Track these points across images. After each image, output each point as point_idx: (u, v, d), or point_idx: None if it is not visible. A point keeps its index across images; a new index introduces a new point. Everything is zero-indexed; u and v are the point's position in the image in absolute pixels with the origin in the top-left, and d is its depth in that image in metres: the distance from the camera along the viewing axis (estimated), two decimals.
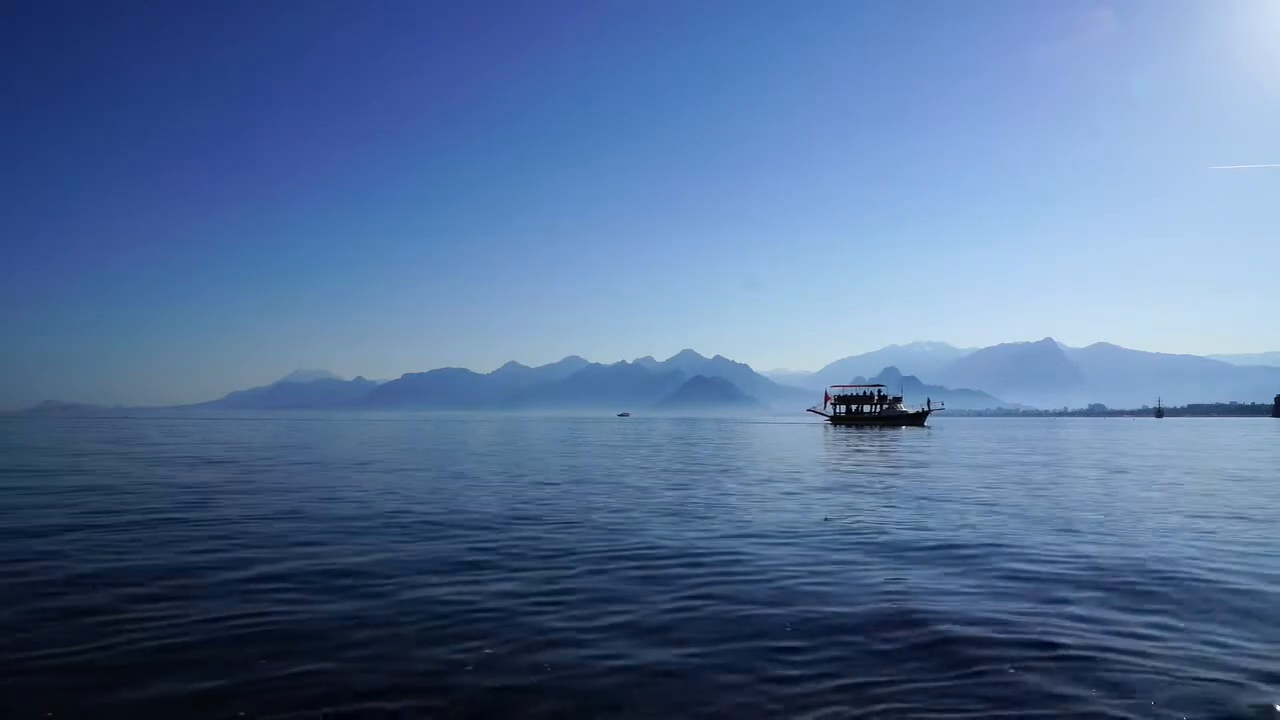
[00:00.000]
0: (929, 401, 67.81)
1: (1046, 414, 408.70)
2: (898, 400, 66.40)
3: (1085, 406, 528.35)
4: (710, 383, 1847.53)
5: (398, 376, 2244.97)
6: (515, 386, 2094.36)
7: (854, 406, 67.74)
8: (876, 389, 67.70)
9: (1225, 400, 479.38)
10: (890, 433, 44.27)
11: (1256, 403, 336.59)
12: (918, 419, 64.95)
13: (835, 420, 67.52)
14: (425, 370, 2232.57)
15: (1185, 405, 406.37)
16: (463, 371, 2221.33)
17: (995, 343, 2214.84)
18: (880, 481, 14.13)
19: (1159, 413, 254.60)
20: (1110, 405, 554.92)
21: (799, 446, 27.98)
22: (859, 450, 25.24)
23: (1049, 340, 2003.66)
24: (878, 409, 66.16)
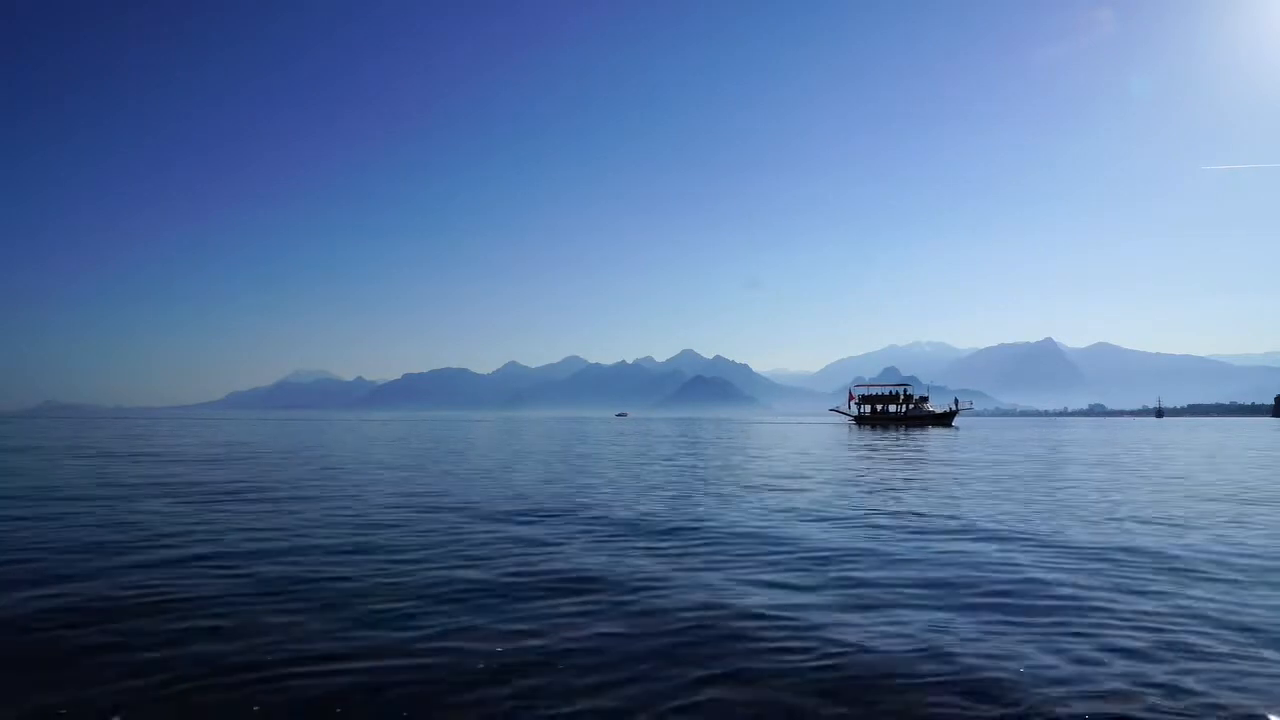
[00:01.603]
0: (956, 401, 65.89)
1: (1046, 414, 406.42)
2: (924, 400, 64.64)
3: (1085, 406, 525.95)
4: (710, 383, 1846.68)
5: (398, 376, 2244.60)
6: (515, 386, 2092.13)
7: (879, 406, 65.94)
8: (902, 388, 65.88)
9: (1225, 400, 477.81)
10: (922, 434, 42.12)
11: (1256, 403, 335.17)
12: (945, 419, 63.07)
13: (859, 420, 65.67)
14: (425, 370, 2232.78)
15: (1185, 405, 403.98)
16: (463, 371, 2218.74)
17: (995, 343, 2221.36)
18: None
19: (1159, 413, 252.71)
20: (1110, 405, 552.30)
21: (900, 463, 26.13)
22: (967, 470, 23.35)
23: (1049, 340, 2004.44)
24: (903, 409, 64.35)
